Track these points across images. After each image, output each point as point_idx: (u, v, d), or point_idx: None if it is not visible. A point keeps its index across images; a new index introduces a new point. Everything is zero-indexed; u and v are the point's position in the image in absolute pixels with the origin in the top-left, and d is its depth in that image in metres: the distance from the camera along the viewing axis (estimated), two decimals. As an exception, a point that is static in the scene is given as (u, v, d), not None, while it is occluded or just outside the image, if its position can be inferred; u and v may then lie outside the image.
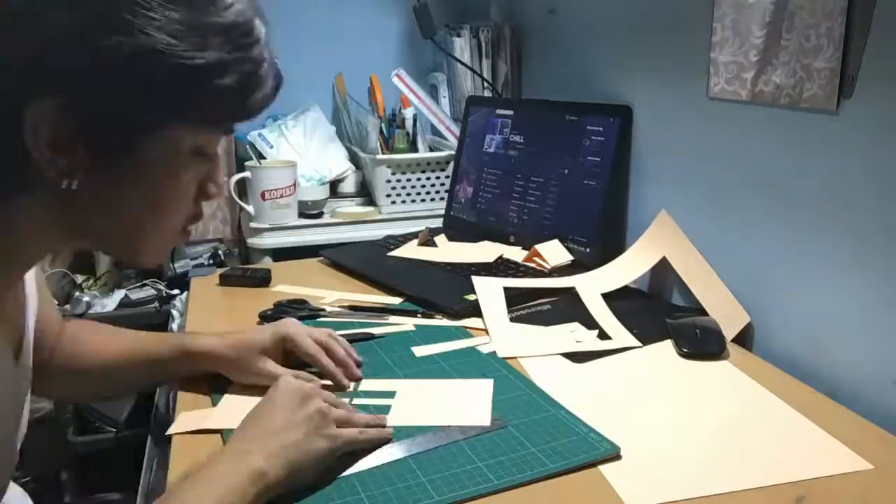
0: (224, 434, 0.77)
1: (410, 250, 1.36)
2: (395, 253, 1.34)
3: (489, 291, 1.11)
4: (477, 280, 1.14)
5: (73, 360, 0.85)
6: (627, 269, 1.16)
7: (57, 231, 0.60)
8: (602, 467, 0.71)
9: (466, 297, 1.11)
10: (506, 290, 1.12)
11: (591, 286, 1.14)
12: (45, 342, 0.81)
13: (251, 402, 0.74)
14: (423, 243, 1.39)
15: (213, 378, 0.87)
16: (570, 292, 1.14)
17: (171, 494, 0.63)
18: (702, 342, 0.96)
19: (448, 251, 1.35)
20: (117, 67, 0.53)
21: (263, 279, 1.23)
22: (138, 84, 0.54)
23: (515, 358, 0.94)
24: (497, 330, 1.02)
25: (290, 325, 0.89)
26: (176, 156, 0.59)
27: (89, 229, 0.61)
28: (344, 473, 0.70)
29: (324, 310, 1.10)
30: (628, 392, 0.87)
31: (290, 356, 0.88)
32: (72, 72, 0.52)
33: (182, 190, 0.62)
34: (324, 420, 0.71)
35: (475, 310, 1.08)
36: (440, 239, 1.41)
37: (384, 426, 0.77)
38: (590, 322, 1.05)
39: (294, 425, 0.69)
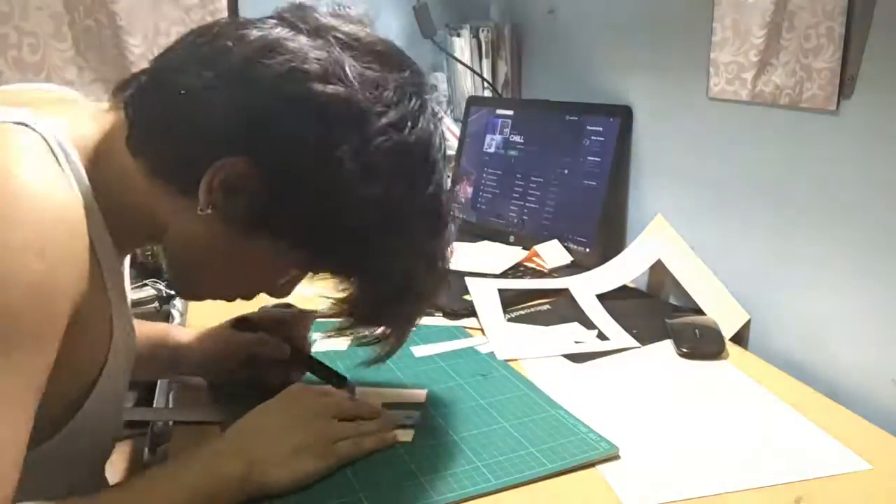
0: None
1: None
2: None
3: (484, 293, 1.11)
4: (471, 281, 1.14)
5: None
6: (623, 270, 1.16)
7: (154, 230, 0.62)
8: (601, 467, 0.71)
9: (466, 296, 1.11)
10: (502, 291, 1.12)
11: (586, 287, 1.14)
12: None
13: None
14: None
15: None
16: (569, 293, 1.14)
17: (125, 488, 0.61)
18: (701, 342, 0.96)
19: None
20: (330, 188, 0.58)
21: None
22: (335, 213, 0.59)
23: (516, 360, 0.94)
24: (494, 332, 1.02)
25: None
26: (291, 265, 0.65)
27: (175, 246, 0.63)
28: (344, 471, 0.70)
29: (315, 311, 1.09)
30: (627, 392, 0.87)
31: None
32: (286, 163, 0.57)
33: (264, 281, 0.66)
34: (321, 439, 0.68)
35: (474, 310, 1.08)
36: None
37: (388, 431, 0.74)
38: (589, 322, 1.05)
39: (291, 437, 0.66)
